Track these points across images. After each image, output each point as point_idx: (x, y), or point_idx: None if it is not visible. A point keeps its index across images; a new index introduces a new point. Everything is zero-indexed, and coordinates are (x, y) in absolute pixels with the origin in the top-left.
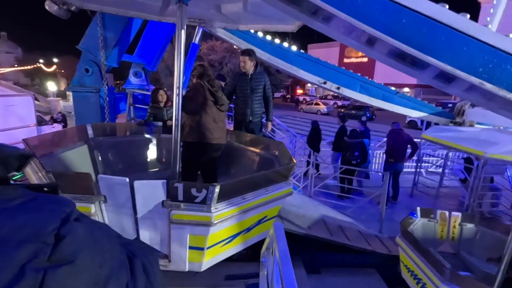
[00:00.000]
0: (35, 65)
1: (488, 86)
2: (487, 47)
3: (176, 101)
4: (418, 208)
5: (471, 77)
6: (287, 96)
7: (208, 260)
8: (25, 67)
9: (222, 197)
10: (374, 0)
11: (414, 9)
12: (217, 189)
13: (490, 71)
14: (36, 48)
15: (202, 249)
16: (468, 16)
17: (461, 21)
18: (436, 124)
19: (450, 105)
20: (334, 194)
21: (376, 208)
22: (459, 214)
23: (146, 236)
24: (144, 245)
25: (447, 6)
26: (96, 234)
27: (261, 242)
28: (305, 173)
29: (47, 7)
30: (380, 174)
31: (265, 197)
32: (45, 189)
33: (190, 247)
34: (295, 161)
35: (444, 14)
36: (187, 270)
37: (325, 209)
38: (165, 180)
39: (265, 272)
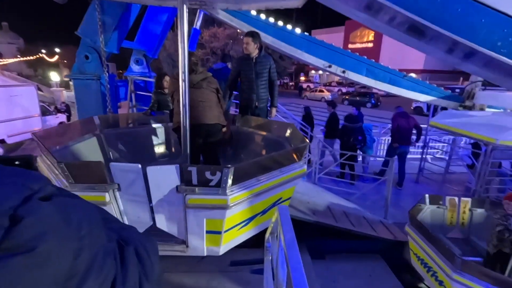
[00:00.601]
0: (37, 56)
1: (506, 60)
2: (507, 19)
3: (182, 86)
4: (427, 195)
5: (489, 51)
6: (290, 84)
7: (226, 244)
8: (28, 58)
9: (236, 180)
10: None
11: None
12: (231, 171)
13: (510, 45)
14: (38, 39)
15: (219, 233)
16: None
17: None
18: (444, 108)
19: (457, 90)
20: (337, 180)
21: (381, 194)
22: (469, 199)
23: (162, 222)
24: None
25: None
26: (73, 218)
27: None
28: (308, 161)
29: None
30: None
31: (279, 179)
32: (16, 162)
33: (208, 232)
34: (307, 140)
35: None
36: (205, 255)
37: (330, 195)
38: (178, 165)
39: (270, 257)
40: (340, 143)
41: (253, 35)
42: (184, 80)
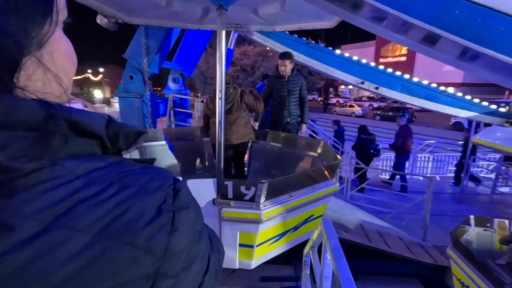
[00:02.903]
0: (84, 75)
1: None
2: None
3: (219, 105)
4: (472, 216)
5: None
6: (319, 99)
7: (258, 258)
8: (76, 77)
9: (270, 195)
10: None
11: None
12: (265, 187)
13: None
14: (85, 59)
15: (251, 246)
16: None
17: None
18: (488, 125)
19: (503, 104)
20: (371, 198)
21: (418, 214)
22: None
23: None
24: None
25: None
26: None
27: (295, 245)
28: (340, 177)
29: (98, 21)
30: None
31: (312, 195)
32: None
33: (240, 245)
34: (340, 157)
35: (504, 2)
36: (237, 267)
37: (362, 213)
38: (215, 179)
39: (307, 272)
40: (355, 155)
41: (289, 57)
42: (220, 99)
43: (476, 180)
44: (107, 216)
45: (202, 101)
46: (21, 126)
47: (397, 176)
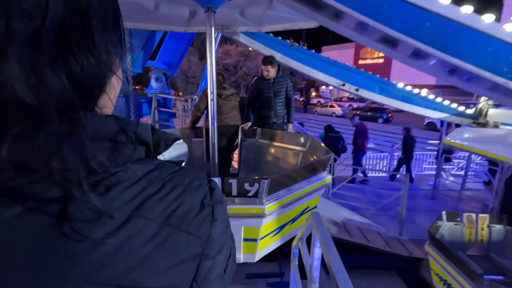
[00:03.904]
0: None
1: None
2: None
3: (211, 105)
4: (444, 212)
5: (496, 76)
6: (300, 99)
7: (261, 251)
8: None
9: (271, 190)
10: (398, 5)
11: (438, 12)
12: (267, 183)
13: None
14: None
15: (255, 240)
16: (493, 17)
17: (485, 23)
18: (458, 125)
19: (471, 105)
20: (352, 196)
21: (395, 210)
22: (487, 215)
23: None
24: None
25: (471, 8)
26: None
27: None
28: None
29: None
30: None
31: (308, 188)
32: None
33: (245, 239)
34: (331, 151)
35: (470, 17)
36: (241, 261)
37: (343, 210)
38: (219, 178)
39: (296, 263)
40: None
41: (271, 61)
42: (212, 100)
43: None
44: (167, 209)
45: (185, 101)
46: (105, 138)
47: (360, 174)
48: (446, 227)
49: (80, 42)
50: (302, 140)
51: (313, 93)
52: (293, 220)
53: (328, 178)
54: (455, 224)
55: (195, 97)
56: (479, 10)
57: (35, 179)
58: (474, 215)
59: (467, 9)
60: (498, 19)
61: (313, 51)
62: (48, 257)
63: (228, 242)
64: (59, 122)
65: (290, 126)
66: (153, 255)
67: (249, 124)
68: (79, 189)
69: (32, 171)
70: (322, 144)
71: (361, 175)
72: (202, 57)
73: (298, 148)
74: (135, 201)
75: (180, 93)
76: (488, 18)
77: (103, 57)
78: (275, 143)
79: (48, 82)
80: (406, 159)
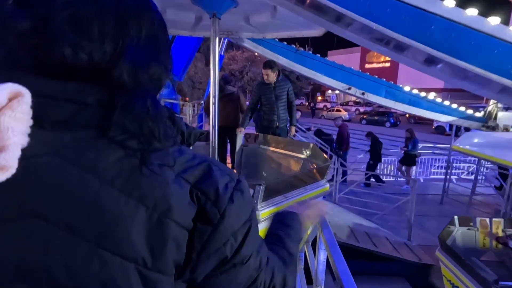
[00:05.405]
0: None
1: None
2: None
3: (213, 109)
4: (456, 217)
5: (503, 79)
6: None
7: None
8: None
9: (266, 196)
10: (402, 8)
11: (442, 15)
12: (262, 189)
13: None
14: None
15: None
16: (499, 20)
17: (491, 25)
18: (467, 129)
19: (481, 109)
20: (360, 200)
21: (403, 215)
22: (501, 219)
23: None
24: None
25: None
26: None
27: None
28: (330, 180)
29: None
30: (405, 184)
31: (304, 196)
32: None
33: None
34: (329, 159)
35: (475, 20)
36: None
37: (351, 215)
38: None
39: (302, 267)
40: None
41: (271, 66)
42: (214, 104)
43: (380, 180)
44: (200, 176)
45: (193, 106)
46: (166, 122)
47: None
48: (458, 232)
49: (160, 54)
50: (302, 147)
51: (319, 98)
52: None
53: (326, 187)
54: (468, 229)
55: (202, 102)
56: (487, 12)
57: (131, 136)
58: (487, 220)
59: (472, 11)
60: (507, 21)
61: (319, 55)
62: (136, 183)
63: (242, 232)
64: (148, 99)
65: (293, 129)
66: (183, 205)
67: (242, 129)
68: (154, 145)
69: (129, 131)
70: (324, 155)
71: (373, 179)
72: (208, 63)
73: (299, 155)
74: (180, 166)
75: (187, 98)
76: (494, 20)
77: (168, 66)
78: (276, 149)
79: (142, 74)
80: (374, 164)
